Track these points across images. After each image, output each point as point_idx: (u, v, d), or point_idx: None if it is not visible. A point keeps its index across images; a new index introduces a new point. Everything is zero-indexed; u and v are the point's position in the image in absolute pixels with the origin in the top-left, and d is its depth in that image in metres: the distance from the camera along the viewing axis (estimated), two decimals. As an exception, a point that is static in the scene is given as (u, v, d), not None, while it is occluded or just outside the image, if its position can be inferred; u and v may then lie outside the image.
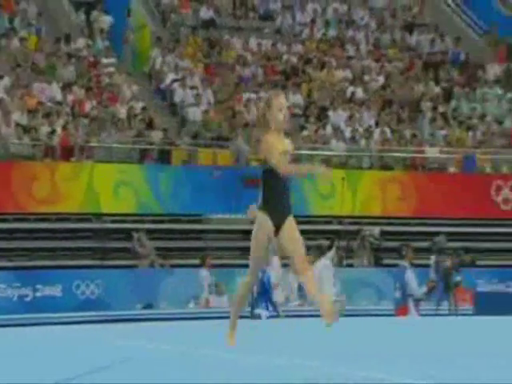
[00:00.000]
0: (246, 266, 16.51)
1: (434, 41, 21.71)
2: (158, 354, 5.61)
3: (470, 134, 19.02)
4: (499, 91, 20.56)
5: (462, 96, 20.11)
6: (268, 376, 4.59)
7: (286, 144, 5.87)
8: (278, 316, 13.21)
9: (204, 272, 14.40)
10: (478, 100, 20.21)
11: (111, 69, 18.21)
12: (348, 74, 19.85)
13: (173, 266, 15.53)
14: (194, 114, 17.88)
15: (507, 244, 17.27)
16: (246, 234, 16.71)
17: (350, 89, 19.38)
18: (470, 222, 17.49)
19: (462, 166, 18.19)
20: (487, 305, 13.76)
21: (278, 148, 5.74)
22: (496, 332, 7.57)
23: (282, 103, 5.81)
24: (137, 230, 15.53)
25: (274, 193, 5.75)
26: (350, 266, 15.53)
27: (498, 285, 16.15)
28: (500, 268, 16.66)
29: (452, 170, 18.27)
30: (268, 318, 12.86)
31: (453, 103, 19.93)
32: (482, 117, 19.64)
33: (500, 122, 19.64)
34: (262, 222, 5.73)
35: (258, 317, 12.77)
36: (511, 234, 17.53)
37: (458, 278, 14.55)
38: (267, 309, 13.23)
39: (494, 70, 21.23)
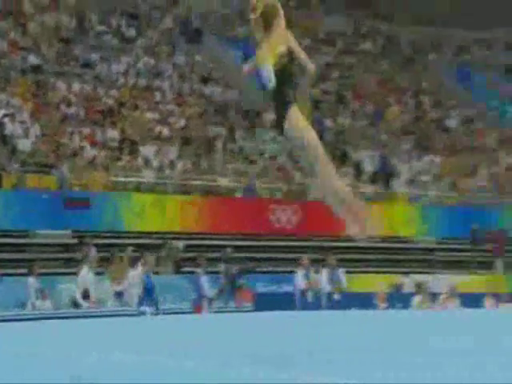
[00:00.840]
0: (68, 274, 15.76)
1: (223, 92, 22.14)
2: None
3: (252, 166, 19.47)
4: (273, 133, 21.03)
5: (246, 137, 20.60)
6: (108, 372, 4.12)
7: None
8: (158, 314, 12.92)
9: (31, 279, 13.88)
10: (257, 140, 20.72)
11: None
12: (156, 115, 19.88)
13: (3, 274, 14.91)
14: (24, 144, 17.28)
15: (283, 254, 17.56)
16: (67, 246, 16.43)
17: (158, 128, 19.39)
18: (252, 236, 17.79)
19: (245, 192, 18.53)
20: (264, 303, 14.02)
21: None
22: (277, 326, 7.84)
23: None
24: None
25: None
26: (157, 273, 15.47)
27: (273, 286, 16.41)
28: (274, 273, 16.93)
29: (238, 195, 18.58)
30: (152, 314, 12.57)
31: (239, 142, 20.32)
32: (261, 153, 20.16)
33: (275, 158, 20.22)
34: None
35: (143, 313, 12.53)
36: (282, 246, 17.96)
37: (242, 282, 14.81)
38: (150, 307, 12.95)
39: (269, 117, 21.76)
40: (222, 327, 7.55)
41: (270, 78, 4.67)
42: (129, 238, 16.31)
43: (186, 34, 24.01)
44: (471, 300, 13.37)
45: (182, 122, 19.96)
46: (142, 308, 12.95)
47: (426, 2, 30.00)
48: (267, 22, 4.77)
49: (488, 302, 13.43)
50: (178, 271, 15.84)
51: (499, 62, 29.62)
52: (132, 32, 23.02)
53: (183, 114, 20.34)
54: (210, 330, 7.16)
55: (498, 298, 14.02)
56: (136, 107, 19.82)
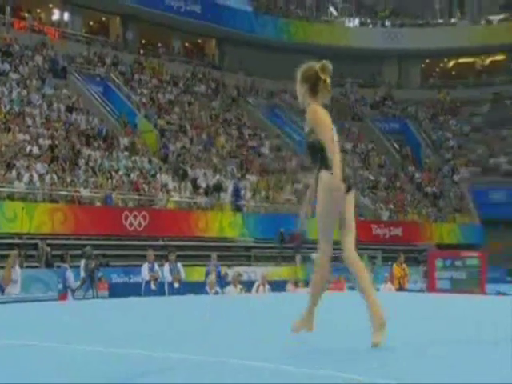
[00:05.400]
0: None
1: (88, 120, 21.47)
2: None
3: (109, 181, 18.94)
4: (126, 153, 20.70)
5: (104, 156, 19.94)
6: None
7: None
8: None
9: None
10: (113, 159, 20.16)
11: None
12: (27, 137, 18.86)
13: None
14: None
15: (133, 251, 17.18)
16: None
17: (29, 147, 18.41)
18: (108, 237, 17.37)
19: (104, 201, 18.06)
20: (118, 290, 13.81)
21: (330, 127, 3.62)
22: (132, 309, 7.28)
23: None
24: None
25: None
26: (33, 267, 14.67)
27: (125, 278, 16.14)
28: (126, 267, 16.56)
29: (98, 204, 18.06)
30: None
31: (99, 160, 19.60)
32: (117, 171, 19.64)
33: (128, 175, 19.90)
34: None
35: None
36: (133, 245, 17.63)
37: (100, 274, 14.44)
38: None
39: (123, 141, 21.44)
40: (88, 312, 6.99)
41: None
42: (2, 238, 15.43)
43: (54, 71, 23.20)
44: (278, 286, 13.81)
45: (50, 143, 19.10)
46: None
47: (248, 57, 31.00)
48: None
49: (290, 287, 14.00)
50: (48, 265, 15.14)
51: (298, 105, 31.12)
52: (6, 66, 21.85)
53: (51, 136, 19.46)
54: (80, 314, 6.63)
55: (297, 283, 14.66)
56: (10, 129, 18.67)
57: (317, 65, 3.74)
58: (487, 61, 35.11)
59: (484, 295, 11.50)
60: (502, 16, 33.58)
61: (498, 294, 12.53)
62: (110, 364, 3.39)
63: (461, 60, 35.11)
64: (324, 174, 3.64)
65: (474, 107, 32.45)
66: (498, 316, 5.57)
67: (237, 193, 21.12)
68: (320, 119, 3.66)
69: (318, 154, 3.68)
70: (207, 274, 12.91)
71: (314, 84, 3.71)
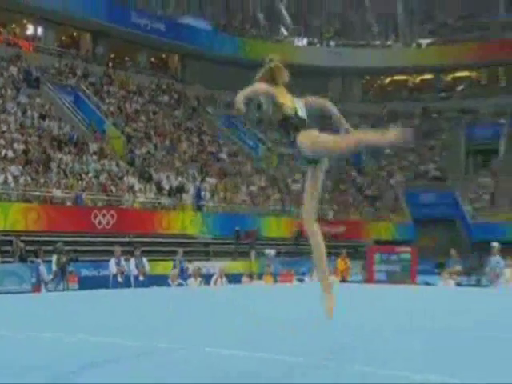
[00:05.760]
0: None
1: (59, 126, 20.89)
2: None
3: (80, 182, 18.52)
4: (95, 157, 20.25)
5: (75, 159, 19.48)
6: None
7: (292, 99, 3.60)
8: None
9: None
10: (83, 163, 19.62)
11: None
12: (2, 141, 18.15)
13: None
14: None
15: (101, 247, 16.68)
16: None
17: (4, 151, 17.83)
18: (79, 234, 16.94)
19: (74, 201, 17.69)
20: (87, 283, 13.56)
21: (283, 99, 3.54)
22: (101, 301, 7.28)
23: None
24: None
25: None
26: (7, 262, 14.26)
27: (93, 271, 15.79)
28: (94, 262, 16.12)
29: (69, 203, 17.65)
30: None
31: (70, 164, 19.08)
32: (87, 173, 19.20)
33: (97, 177, 19.52)
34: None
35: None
36: (101, 241, 17.16)
37: (71, 268, 14.17)
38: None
39: (93, 147, 20.89)
40: (61, 303, 6.84)
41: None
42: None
43: (28, 81, 22.59)
44: (234, 278, 13.84)
45: (24, 147, 18.50)
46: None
47: (207, 71, 30.93)
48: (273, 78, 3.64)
49: (245, 280, 14.05)
50: (22, 260, 14.71)
51: (254, 116, 31.30)
52: (-18, 76, 21.25)
53: (25, 141, 18.86)
54: (53, 305, 6.54)
55: (251, 276, 14.71)
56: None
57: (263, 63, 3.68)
58: (418, 79, 36.11)
59: (415, 285, 11.83)
60: (430, 40, 34.63)
61: (427, 284, 12.92)
62: (84, 351, 3.36)
63: (395, 77, 36.00)
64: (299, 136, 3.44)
65: (406, 119, 33.27)
66: (426, 304, 5.76)
67: (198, 194, 21.08)
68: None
69: (286, 126, 3.56)
70: (174, 267, 12.86)
71: (270, 75, 3.65)
